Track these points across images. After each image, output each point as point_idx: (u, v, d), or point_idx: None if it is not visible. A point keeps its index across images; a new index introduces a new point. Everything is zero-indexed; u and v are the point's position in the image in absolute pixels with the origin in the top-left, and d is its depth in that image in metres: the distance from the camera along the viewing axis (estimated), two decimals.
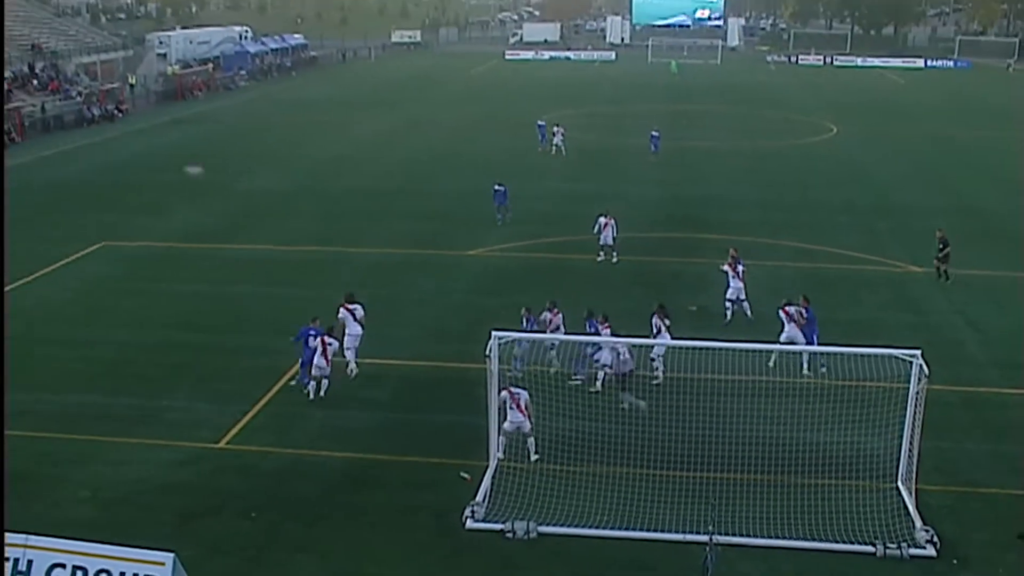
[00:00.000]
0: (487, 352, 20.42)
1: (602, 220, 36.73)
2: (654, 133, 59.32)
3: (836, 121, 76.02)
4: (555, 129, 60.46)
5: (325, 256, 37.71)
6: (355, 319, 26.66)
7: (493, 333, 20.67)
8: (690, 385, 23.53)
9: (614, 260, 36.36)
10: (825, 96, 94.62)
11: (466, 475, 21.03)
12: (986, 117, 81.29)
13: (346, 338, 26.17)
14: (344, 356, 25.99)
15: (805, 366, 25.96)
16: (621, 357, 23.80)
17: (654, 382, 24.94)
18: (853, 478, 20.73)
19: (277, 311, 31.23)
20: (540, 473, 20.74)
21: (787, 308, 26.80)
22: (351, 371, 26.14)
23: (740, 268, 30.94)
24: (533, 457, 21.62)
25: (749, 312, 30.53)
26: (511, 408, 21.55)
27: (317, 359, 24.99)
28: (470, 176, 52.72)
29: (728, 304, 30.60)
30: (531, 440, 21.79)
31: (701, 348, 22.87)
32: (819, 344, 25.63)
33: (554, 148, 59.63)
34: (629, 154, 61.17)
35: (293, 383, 25.78)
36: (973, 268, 36.60)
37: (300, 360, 25.57)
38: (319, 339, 25.09)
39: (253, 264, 36.99)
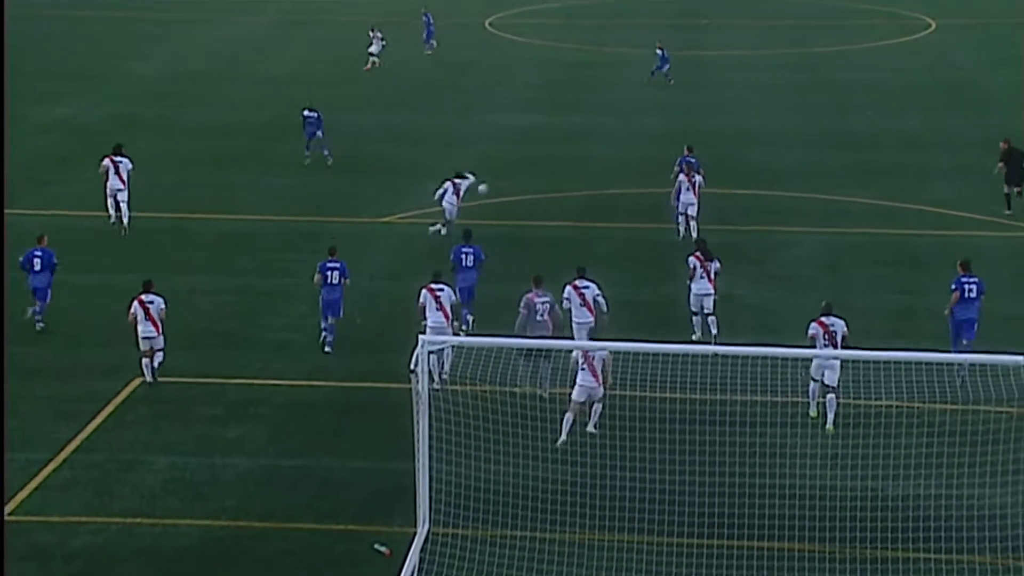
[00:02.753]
0: (412, 366, 20.39)
1: (448, 185, 36.57)
2: (660, 51, 57.82)
3: (936, 10, 76.30)
4: (371, 33, 61.96)
5: (163, 225, 37.42)
6: (116, 172, 36.79)
7: (421, 338, 20.62)
8: (699, 410, 23.63)
9: (433, 229, 36.51)
10: None
11: (383, 547, 20.97)
12: None
13: None
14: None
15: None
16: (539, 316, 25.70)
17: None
18: (967, 551, 20.69)
19: (88, 310, 30.96)
20: (492, 543, 20.58)
21: (822, 320, 25.61)
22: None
23: (697, 178, 35.63)
24: (590, 430, 23.92)
25: (695, 231, 34.23)
26: (582, 369, 22.95)
27: (143, 328, 26.78)
28: (381, 103, 52.38)
29: (679, 218, 35.42)
30: (597, 407, 23.84)
31: (733, 355, 23.05)
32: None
33: (369, 62, 61.26)
34: (617, 69, 61.14)
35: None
36: None
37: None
38: (135, 301, 26.94)
39: (53, 239, 36.34)
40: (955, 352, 26.34)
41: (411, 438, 21.06)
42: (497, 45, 67.06)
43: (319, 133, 44.23)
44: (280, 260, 35.03)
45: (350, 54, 64.88)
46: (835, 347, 25.03)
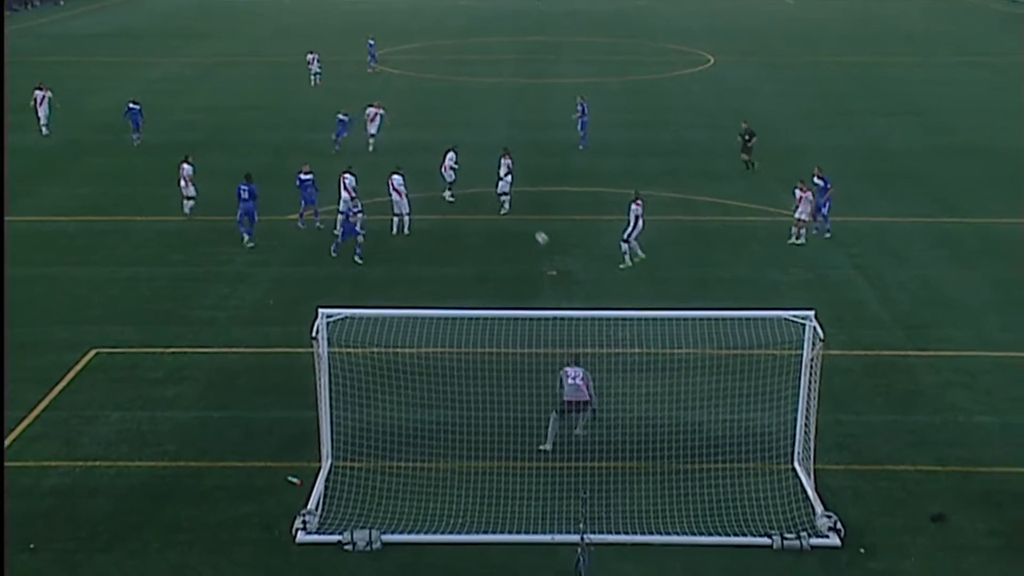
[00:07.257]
0: (314, 333, 20.59)
1: (370, 111, 47.30)
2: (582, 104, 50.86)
3: (713, 49, 77.50)
4: (309, 56, 64.87)
5: (112, 227, 37.04)
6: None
7: (320, 311, 20.81)
8: (549, 362, 23.91)
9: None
10: (700, 21, 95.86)
11: (295, 479, 21.19)
12: (897, 41, 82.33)
13: None
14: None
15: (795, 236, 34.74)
16: (570, 381, 22.51)
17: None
18: (743, 461, 21.62)
19: (54, 295, 30.75)
20: (382, 473, 21.01)
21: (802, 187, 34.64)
22: None
23: (508, 162, 38.22)
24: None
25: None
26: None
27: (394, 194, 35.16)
28: (291, 127, 52.24)
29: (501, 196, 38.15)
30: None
31: (567, 318, 23.78)
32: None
33: (312, 80, 64.17)
34: (472, 93, 61.59)
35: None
36: (875, 215, 38.39)
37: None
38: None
39: (19, 240, 35.93)
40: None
41: (314, 392, 21.46)
42: (376, 77, 66.83)
43: (141, 123, 48.55)
44: (204, 253, 34.84)
45: (266, 87, 64.54)
46: (812, 201, 34.66)
